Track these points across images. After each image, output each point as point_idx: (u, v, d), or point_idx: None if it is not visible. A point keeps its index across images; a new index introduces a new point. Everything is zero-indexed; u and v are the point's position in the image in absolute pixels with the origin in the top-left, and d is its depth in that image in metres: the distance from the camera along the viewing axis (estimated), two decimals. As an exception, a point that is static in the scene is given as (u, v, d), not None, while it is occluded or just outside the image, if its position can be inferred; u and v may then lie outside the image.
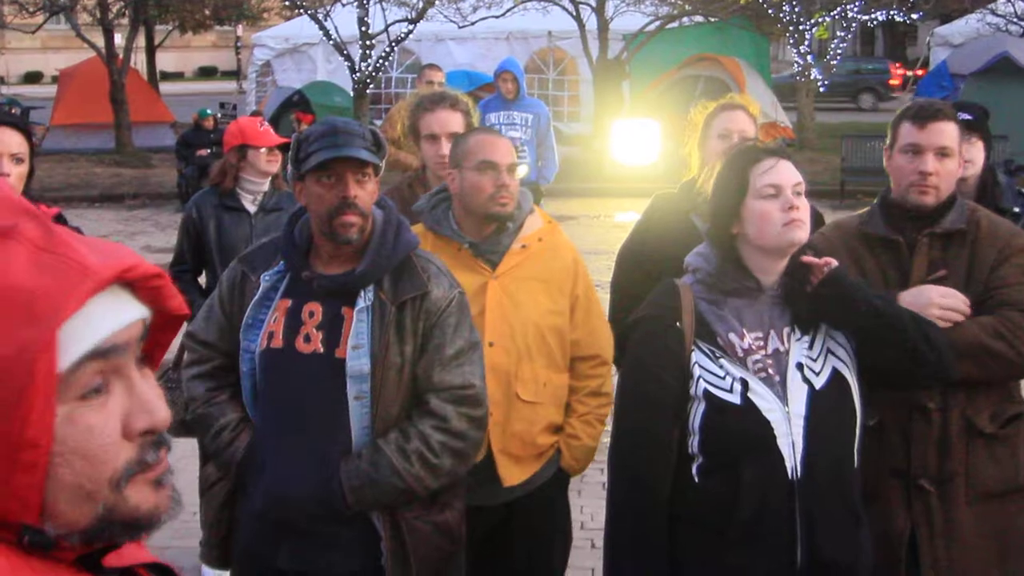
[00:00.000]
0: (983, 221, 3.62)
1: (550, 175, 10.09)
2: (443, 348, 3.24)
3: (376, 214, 3.31)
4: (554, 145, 10.29)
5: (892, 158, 3.65)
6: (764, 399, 2.89)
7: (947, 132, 3.56)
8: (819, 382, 2.93)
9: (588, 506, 6.33)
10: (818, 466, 2.88)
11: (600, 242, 13.66)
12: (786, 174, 2.97)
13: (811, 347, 2.97)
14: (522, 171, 3.87)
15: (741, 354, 2.94)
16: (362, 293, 3.23)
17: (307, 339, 3.24)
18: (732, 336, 2.95)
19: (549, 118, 10.34)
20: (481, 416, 3.30)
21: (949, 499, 3.50)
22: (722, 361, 2.93)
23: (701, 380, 2.92)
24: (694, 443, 2.94)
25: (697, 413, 2.93)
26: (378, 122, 15.71)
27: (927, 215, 3.59)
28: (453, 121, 4.49)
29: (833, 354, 2.97)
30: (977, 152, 4.66)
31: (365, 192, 3.22)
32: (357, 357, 3.18)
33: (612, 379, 3.84)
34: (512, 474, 3.86)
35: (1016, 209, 4.77)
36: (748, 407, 2.89)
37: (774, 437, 2.87)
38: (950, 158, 3.56)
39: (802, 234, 2.94)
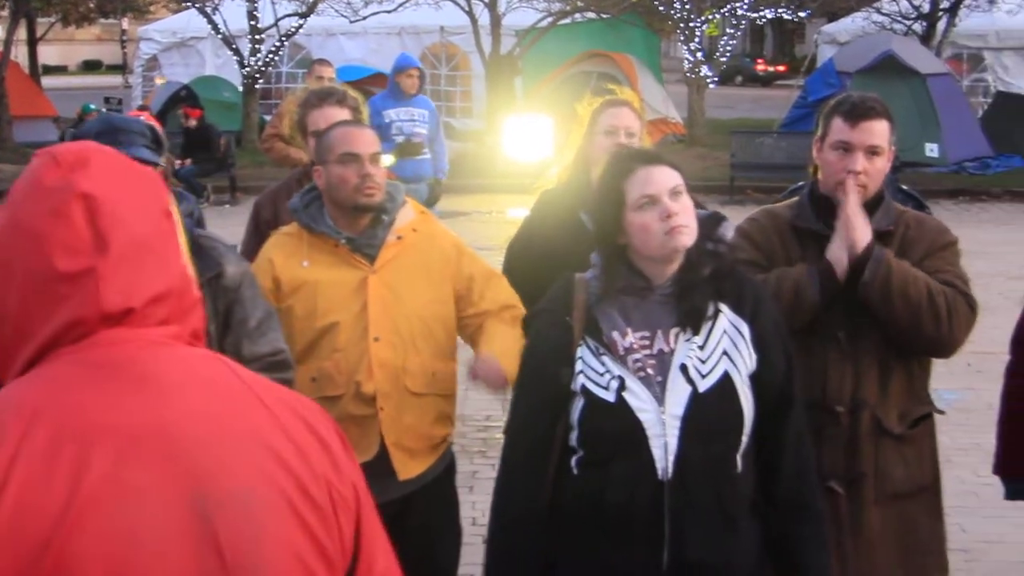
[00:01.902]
0: (912, 222, 3.62)
1: (446, 167, 10.21)
2: (247, 321, 3.33)
3: None
4: (444, 139, 10.40)
5: (822, 151, 3.58)
6: (638, 398, 2.87)
7: (877, 131, 3.51)
8: (704, 384, 2.89)
9: (480, 502, 6.28)
10: (691, 468, 2.85)
11: (492, 238, 13.61)
12: (660, 180, 2.91)
13: (703, 347, 2.92)
14: (387, 160, 3.88)
15: (622, 352, 2.91)
16: None
17: None
18: (615, 334, 2.93)
19: (437, 113, 10.41)
20: (292, 379, 3.42)
21: (857, 499, 3.50)
22: (604, 358, 2.91)
23: (582, 375, 2.92)
24: (574, 437, 2.94)
25: (577, 408, 2.93)
26: (268, 117, 15.49)
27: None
28: (340, 117, 4.46)
29: (728, 356, 2.92)
30: None
31: None
32: None
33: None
34: (408, 467, 3.83)
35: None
36: (621, 405, 2.87)
37: (645, 437, 2.86)
38: (880, 156, 3.52)
39: (685, 239, 2.89)
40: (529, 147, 18.87)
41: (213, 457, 1.52)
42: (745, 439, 2.92)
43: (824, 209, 3.58)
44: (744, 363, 2.93)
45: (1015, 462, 3.79)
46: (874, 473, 3.51)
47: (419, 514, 3.91)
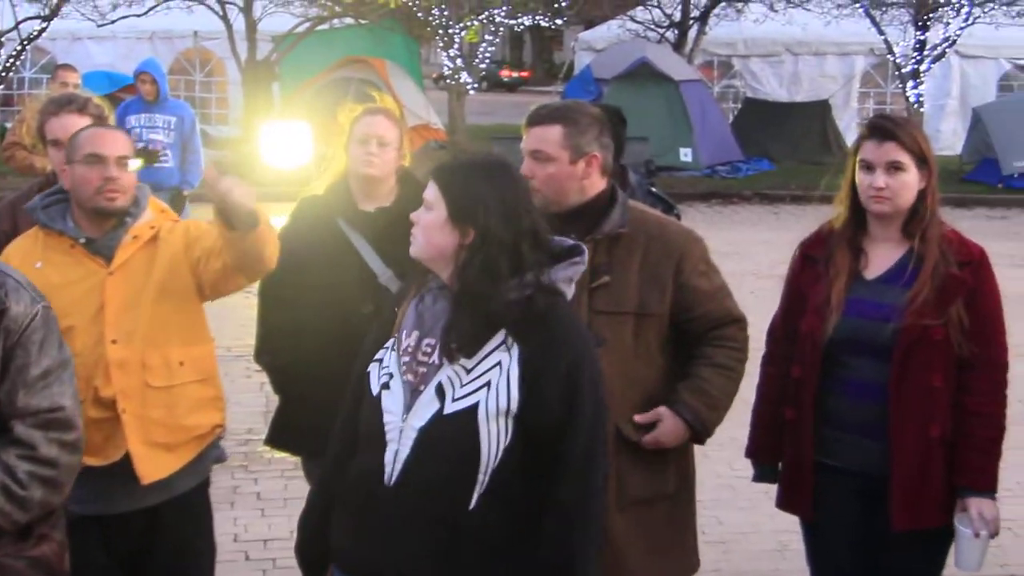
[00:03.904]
0: (655, 230, 3.62)
1: (195, 180, 9.88)
2: (28, 369, 2.92)
3: None
4: (200, 148, 10.16)
5: None
6: (392, 401, 2.88)
7: (541, 136, 3.55)
8: (451, 408, 2.81)
9: (242, 517, 6.14)
10: (414, 483, 2.82)
11: (253, 247, 13.36)
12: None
13: (470, 371, 2.82)
14: (134, 164, 3.78)
15: (402, 352, 2.92)
16: None
17: None
18: (403, 332, 2.95)
19: (194, 120, 10.18)
20: (74, 440, 3.00)
21: None
22: (393, 354, 2.93)
23: (375, 363, 2.96)
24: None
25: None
26: (8, 125, 14.81)
27: (586, 218, 3.55)
28: (81, 125, 4.27)
29: (488, 388, 2.79)
30: None
31: None
32: None
33: None
34: (157, 467, 3.70)
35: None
36: (375, 403, 2.90)
37: (384, 441, 2.86)
38: (551, 161, 3.53)
39: (412, 249, 2.94)
40: (287, 154, 18.60)
41: None
42: (483, 476, 2.81)
43: (550, 219, 3.57)
44: (499, 399, 2.80)
45: (762, 447, 3.94)
46: (617, 479, 3.48)
47: (169, 530, 3.81)
